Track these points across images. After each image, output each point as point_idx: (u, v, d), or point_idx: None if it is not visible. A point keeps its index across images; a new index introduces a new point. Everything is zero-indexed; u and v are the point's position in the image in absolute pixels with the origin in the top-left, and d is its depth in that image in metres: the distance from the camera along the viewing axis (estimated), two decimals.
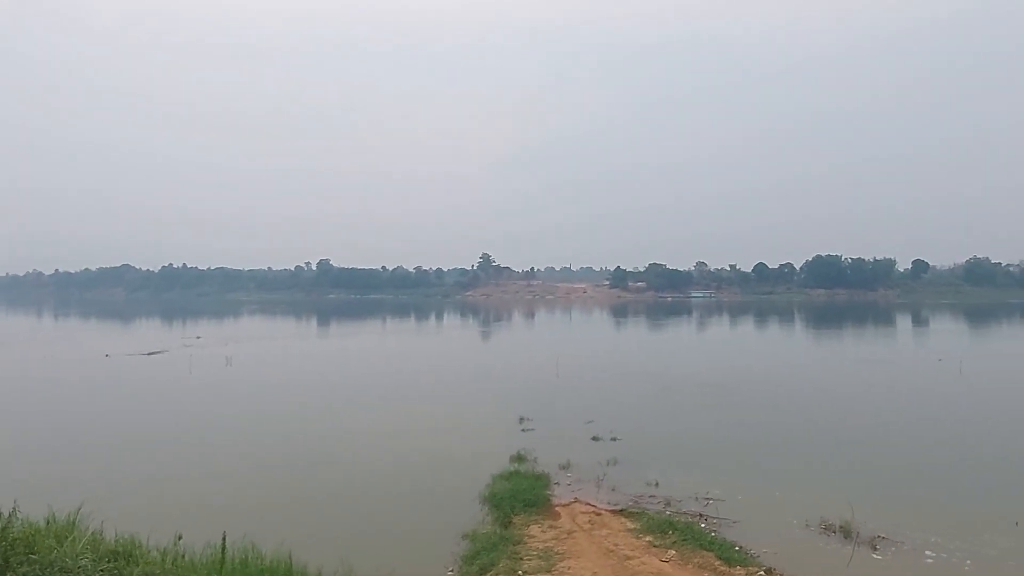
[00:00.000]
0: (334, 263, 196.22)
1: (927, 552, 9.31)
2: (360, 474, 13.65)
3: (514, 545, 9.31)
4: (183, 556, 6.59)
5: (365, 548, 9.62)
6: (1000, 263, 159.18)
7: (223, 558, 6.43)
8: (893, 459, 14.58)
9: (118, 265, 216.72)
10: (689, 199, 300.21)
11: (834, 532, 9.99)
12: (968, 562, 9.00)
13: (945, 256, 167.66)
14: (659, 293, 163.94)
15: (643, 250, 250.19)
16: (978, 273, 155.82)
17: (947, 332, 57.35)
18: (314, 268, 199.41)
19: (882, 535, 9.80)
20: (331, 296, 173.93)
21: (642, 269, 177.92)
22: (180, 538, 6.74)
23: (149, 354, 37.04)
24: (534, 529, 10.02)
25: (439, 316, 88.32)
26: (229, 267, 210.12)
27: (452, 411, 20.45)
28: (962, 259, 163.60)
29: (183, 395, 24.14)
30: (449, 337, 55.15)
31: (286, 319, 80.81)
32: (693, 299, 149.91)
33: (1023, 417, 19.35)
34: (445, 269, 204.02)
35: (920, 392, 24.09)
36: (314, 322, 76.68)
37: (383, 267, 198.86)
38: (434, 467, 14.01)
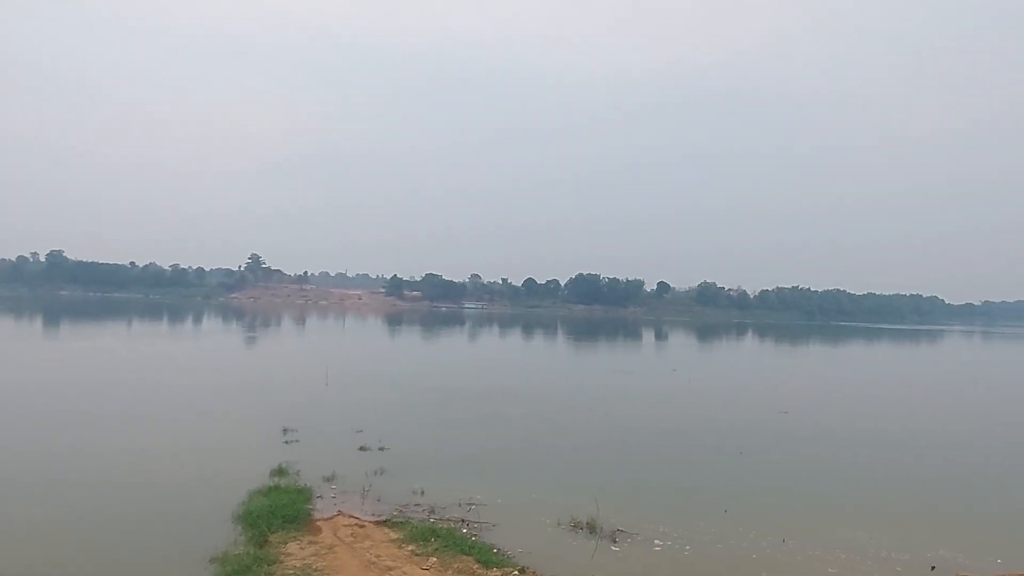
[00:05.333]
0: (69, 255, 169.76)
1: (656, 541, 10.54)
2: (90, 496, 11.87)
3: (269, 565, 8.75)
4: None
5: None
6: (723, 287, 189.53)
7: None
8: (633, 459, 16.44)
9: None
10: (467, 220, 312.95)
11: (581, 529, 10.88)
12: (687, 547, 10.36)
13: (683, 280, 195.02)
14: (434, 303, 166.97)
15: (420, 260, 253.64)
16: (707, 295, 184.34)
17: (681, 346, 67.24)
18: (42, 259, 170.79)
19: (621, 528, 10.90)
20: (64, 293, 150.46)
21: (418, 279, 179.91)
22: None
23: None
24: (292, 546, 9.51)
25: (198, 319, 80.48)
26: None
27: (206, 424, 18.65)
28: (695, 283, 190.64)
29: None
30: (208, 343, 50.51)
31: (1, 317, 68.16)
32: (466, 310, 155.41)
33: (733, 419, 22.79)
34: (207, 268, 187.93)
35: (658, 398, 27.35)
36: (39, 322, 65.55)
37: (132, 263, 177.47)
38: (181, 485, 12.60)
